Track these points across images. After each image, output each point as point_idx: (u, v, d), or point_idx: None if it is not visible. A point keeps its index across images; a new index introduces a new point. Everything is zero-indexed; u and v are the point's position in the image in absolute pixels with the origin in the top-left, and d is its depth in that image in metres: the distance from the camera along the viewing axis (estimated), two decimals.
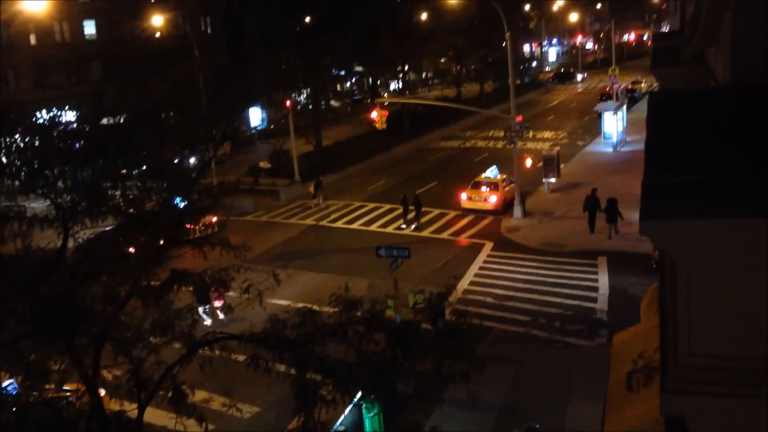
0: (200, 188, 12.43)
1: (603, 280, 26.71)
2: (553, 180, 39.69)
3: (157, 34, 57.81)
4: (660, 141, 5.25)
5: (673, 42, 10.60)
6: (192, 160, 14.01)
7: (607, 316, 23.76)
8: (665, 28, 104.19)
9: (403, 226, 35.76)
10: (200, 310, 21.19)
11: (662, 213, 4.54)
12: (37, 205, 11.56)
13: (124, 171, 11.53)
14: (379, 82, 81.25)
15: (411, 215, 35.91)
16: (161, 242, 11.33)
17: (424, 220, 36.41)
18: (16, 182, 10.87)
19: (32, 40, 53.58)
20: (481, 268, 29.35)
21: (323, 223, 37.57)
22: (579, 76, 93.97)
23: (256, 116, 59.23)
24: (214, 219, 24.35)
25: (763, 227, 4.34)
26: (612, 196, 30.93)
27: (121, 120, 33.86)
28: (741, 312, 4.75)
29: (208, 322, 23.14)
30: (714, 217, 4.47)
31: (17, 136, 11.40)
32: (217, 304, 23.20)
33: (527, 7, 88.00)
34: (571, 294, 25.77)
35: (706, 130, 5.24)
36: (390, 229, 35.57)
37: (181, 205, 12.07)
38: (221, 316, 23.33)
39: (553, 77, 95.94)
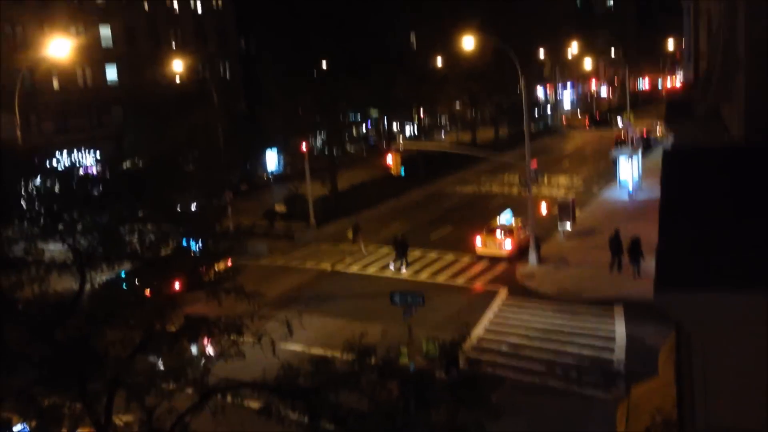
0: (216, 233, 12.54)
1: (620, 330, 26.37)
2: (568, 227, 39.53)
3: (177, 79, 58.84)
4: (674, 205, 5.23)
5: (687, 94, 10.65)
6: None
7: (625, 366, 23.38)
8: (679, 76, 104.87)
9: (391, 266, 36.27)
10: None
11: (676, 285, 4.48)
12: (55, 248, 11.69)
13: (140, 216, 11.67)
14: (394, 126, 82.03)
15: (394, 260, 36.43)
16: (176, 287, 11.39)
17: (439, 265, 36.35)
18: (35, 227, 11.02)
19: (55, 84, 54.68)
20: (495, 315, 29.11)
21: (338, 267, 37.54)
22: (620, 122, 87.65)
23: (272, 160, 59.81)
24: (229, 263, 24.37)
25: None
26: (635, 236, 30.95)
27: (140, 163, 34.37)
28: (759, 387, 4.63)
29: None
30: (729, 291, 4.39)
31: (38, 181, 11.60)
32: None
33: (541, 53, 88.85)
34: (587, 344, 25.44)
35: (722, 193, 5.22)
36: (405, 275, 35.47)
37: (197, 249, 12.17)
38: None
39: (590, 122, 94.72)
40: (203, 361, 11.45)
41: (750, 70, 5.82)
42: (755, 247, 4.56)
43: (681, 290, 4.52)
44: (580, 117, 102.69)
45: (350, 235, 39.89)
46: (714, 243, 4.65)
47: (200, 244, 11.86)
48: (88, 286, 11.15)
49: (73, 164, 44.66)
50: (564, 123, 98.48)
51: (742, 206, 5.00)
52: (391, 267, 36.26)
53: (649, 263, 29.47)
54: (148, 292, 11.88)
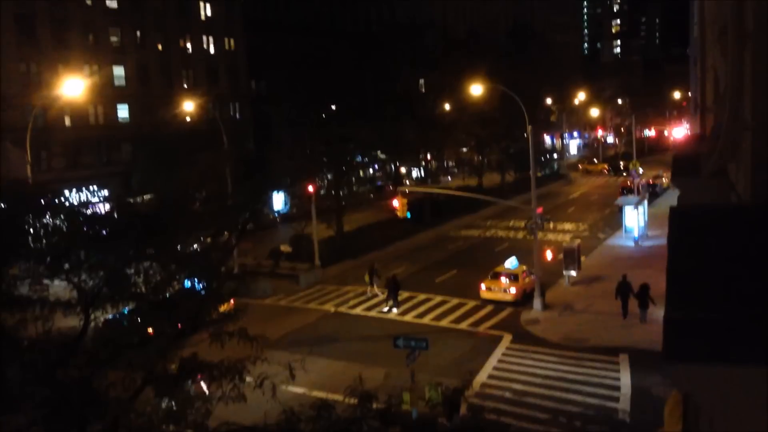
0: (221, 274, 12.56)
1: (625, 379, 26.09)
2: (573, 273, 39.43)
3: (188, 118, 59.52)
4: (681, 269, 5.23)
5: (693, 149, 10.72)
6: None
7: (630, 417, 23.10)
8: (686, 125, 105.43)
9: (385, 309, 36.71)
10: None
11: (682, 356, 4.48)
12: (59, 283, 11.72)
13: (147, 256, 11.71)
14: (401, 169, 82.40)
15: (386, 300, 37.09)
16: (180, 329, 11.38)
17: (443, 308, 36.23)
18: (41, 265, 11.08)
19: (67, 121, 55.36)
20: (499, 361, 28.86)
21: (342, 309, 37.42)
22: (641, 170, 79.27)
23: (279, 200, 60.02)
24: (231, 302, 24.32)
25: None
26: (645, 282, 30.99)
27: (147, 198, 34.56)
28: None
29: None
30: (733, 363, 4.38)
31: (46, 218, 11.68)
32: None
33: (548, 100, 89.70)
34: (592, 392, 25.16)
35: (728, 257, 5.22)
36: (408, 318, 35.31)
37: (202, 290, 12.18)
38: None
39: (609, 168, 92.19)
40: (204, 403, 11.36)
41: (757, 131, 5.88)
42: (758, 317, 4.55)
43: (685, 362, 4.51)
44: (596, 163, 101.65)
45: (367, 278, 39.71)
46: (720, 313, 4.64)
47: (205, 285, 11.89)
48: (91, 325, 11.16)
49: (81, 202, 44.92)
50: (580, 168, 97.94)
51: (748, 271, 5.00)
52: (385, 310, 36.55)
53: (658, 310, 29.32)
54: (151, 332, 11.87)
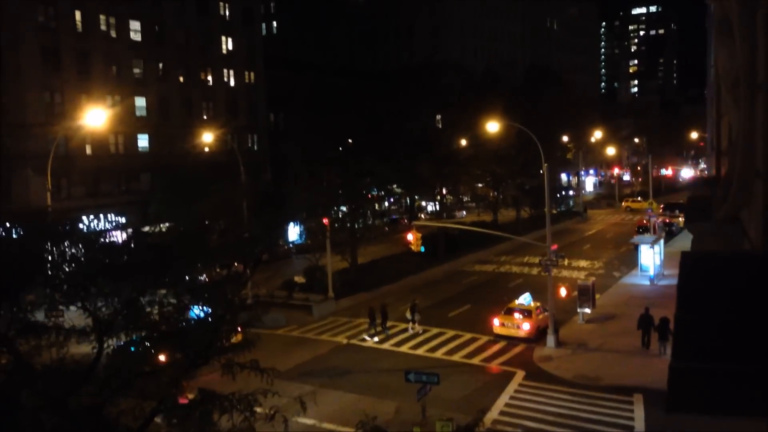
0: (235, 306, 12.66)
1: (639, 419, 25.76)
2: (588, 310, 39.15)
3: (206, 149, 60.21)
4: (690, 318, 5.27)
5: (707, 193, 10.76)
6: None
7: None
8: (702, 165, 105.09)
9: (366, 337, 37.45)
10: None
11: (685, 406, 4.51)
12: (74, 309, 11.87)
13: (161, 287, 11.86)
14: (417, 203, 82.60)
15: (375, 326, 37.94)
16: (191, 359, 11.45)
17: (456, 343, 36.05)
18: (58, 293, 11.25)
19: (88, 150, 56.20)
20: (511, 398, 28.61)
21: (354, 341, 37.35)
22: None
23: (294, 231, 60.28)
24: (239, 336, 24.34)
25: None
26: (665, 315, 30.89)
27: (164, 227, 34.81)
28: None
29: None
30: (735, 415, 4.40)
31: (66, 247, 11.87)
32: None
33: (565, 138, 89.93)
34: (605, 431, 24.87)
35: (735, 307, 5.26)
36: (421, 351, 35.16)
37: (215, 321, 12.27)
38: None
39: (665, 208, 78.37)
40: None
41: None
42: (761, 370, 4.56)
43: (689, 413, 4.54)
44: (640, 200, 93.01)
45: (408, 314, 39.51)
46: (723, 362, 4.65)
47: (218, 316, 11.99)
48: (105, 353, 11.27)
49: (99, 230, 45.36)
50: (623, 205, 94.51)
51: (754, 322, 5.01)
52: (367, 338, 37.52)
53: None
54: (163, 361, 11.96)
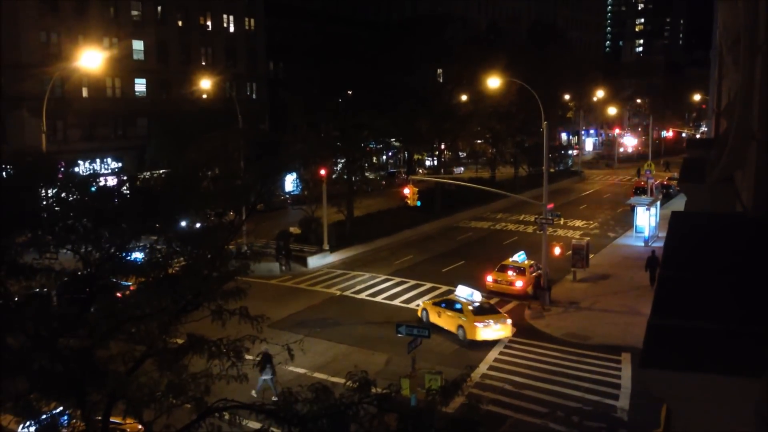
0: (227, 253, 12.64)
1: (626, 378, 26.08)
2: (581, 270, 39.35)
3: (204, 96, 59.60)
4: (673, 276, 5.23)
5: (703, 154, 10.65)
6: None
7: (628, 415, 23.11)
8: (704, 128, 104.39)
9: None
10: (266, 378, 21.70)
11: (659, 363, 4.48)
12: (65, 254, 11.84)
13: (152, 232, 11.81)
14: (415, 158, 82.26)
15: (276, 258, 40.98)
16: (181, 305, 11.47)
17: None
18: (48, 236, 11.18)
19: (84, 93, 55.59)
20: (501, 353, 28.92)
21: (347, 293, 37.56)
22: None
23: (290, 181, 60.09)
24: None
25: (753, 387, 4.22)
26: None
27: (161, 174, 34.64)
28: None
29: (253, 392, 21.77)
30: (707, 373, 4.36)
31: (56, 189, 11.77)
32: None
33: (566, 97, 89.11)
34: (591, 389, 25.18)
35: (720, 267, 5.20)
36: (413, 305, 35.39)
37: (206, 268, 12.25)
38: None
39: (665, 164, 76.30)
40: (203, 379, 11.47)
41: (762, 142, 5.85)
42: (740, 330, 4.53)
43: (661, 368, 4.51)
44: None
45: None
46: (701, 321, 4.62)
47: (209, 263, 11.96)
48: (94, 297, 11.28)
49: (92, 174, 45.11)
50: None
51: (737, 282, 4.97)
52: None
53: None
54: (154, 307, 11.97)
